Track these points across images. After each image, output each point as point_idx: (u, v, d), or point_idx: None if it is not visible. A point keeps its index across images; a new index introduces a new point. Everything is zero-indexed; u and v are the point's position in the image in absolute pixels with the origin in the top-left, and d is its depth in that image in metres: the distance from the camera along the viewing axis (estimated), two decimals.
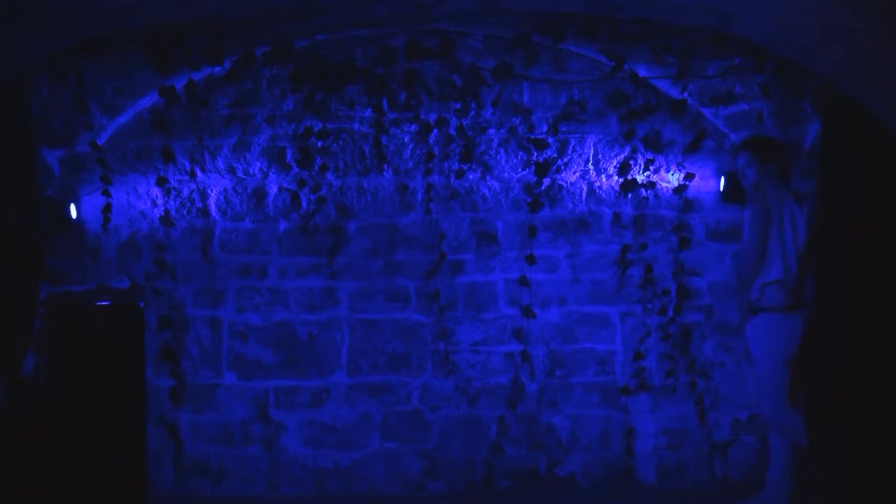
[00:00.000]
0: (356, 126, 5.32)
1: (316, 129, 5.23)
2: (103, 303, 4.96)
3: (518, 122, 5.31)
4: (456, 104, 5.24)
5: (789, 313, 4.64)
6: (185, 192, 5.30)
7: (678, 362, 5.34)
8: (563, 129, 5.34)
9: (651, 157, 5.30)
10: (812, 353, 4.84)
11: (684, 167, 5.30)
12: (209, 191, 5.31)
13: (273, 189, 5.34)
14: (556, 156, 5.35)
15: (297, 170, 5.29)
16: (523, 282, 5.29)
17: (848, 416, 4.60)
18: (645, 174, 5.31)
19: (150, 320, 5.21)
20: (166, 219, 5.21)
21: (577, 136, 5.37)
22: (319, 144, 5.26)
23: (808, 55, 4.41)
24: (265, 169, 5.32)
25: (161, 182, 5.18)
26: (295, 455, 5.33)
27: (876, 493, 4.39)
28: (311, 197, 5.28)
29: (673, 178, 5.34)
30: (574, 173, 5.38)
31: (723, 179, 5.22)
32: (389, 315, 5.37)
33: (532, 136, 5.30)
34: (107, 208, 5.07)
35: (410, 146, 5.34)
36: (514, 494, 5.32)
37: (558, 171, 5.37)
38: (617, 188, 5.34)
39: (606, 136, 5.36)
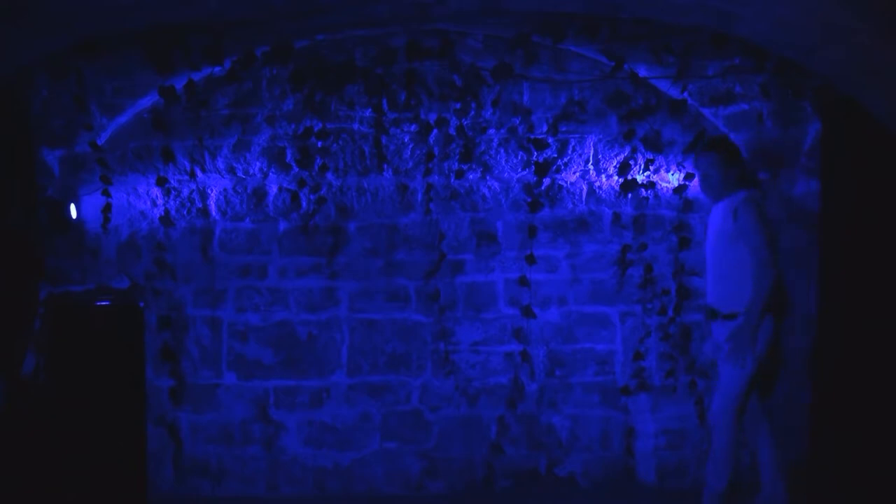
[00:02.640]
0: (356, 126, 5.32)
1: (316, 129, 5.22)
2: (103, 303, 4.94)
3: (518, 122, 5.31)
4: (456, 104, 5.24)
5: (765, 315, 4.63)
6: (185, 192, 5.30)
7: (678, 362, 5.34)
8: (563, 129, 5.34)
9: (651, 157, 5.30)
10: (812, 353, 4.85)
11: (684, 167, 5.30)
12: (209, 191, 5.31)
13: (273, 189, 5.34)
14: (556, 156, 5.35)
15: (297, 170, 5.28)
16: (523, 282, 5.29)
17: (848, 417, 4.61)
18: (645, 174, 5.31)
19: (150, 320, 5.20)
20: (166, 219, 5.21)
21: (577, 136, 5.37)
22: (319, 144, 5.26)
23: (808, 55, 4.41)
24: (265, 169, 5.32)
25: (161, 182, 5.18)
26: (295, 455, 5.33)
27: (876, 493, 4.40)
28: (311, 197, 5.27)
29: (673, 178, 5.34)
30: (574, 173, 5.38)
31: None
32: (389, 315, 5.36)
33: (532, 136, 5.29)
34: (107, 208, 5.06)
35: (410, 146, 5.34)
36: (514, 494, 5.32)
37: (558, 171, 5.37)
38: (617, 188, 5.34)
39: (606, 136, 5.36)
